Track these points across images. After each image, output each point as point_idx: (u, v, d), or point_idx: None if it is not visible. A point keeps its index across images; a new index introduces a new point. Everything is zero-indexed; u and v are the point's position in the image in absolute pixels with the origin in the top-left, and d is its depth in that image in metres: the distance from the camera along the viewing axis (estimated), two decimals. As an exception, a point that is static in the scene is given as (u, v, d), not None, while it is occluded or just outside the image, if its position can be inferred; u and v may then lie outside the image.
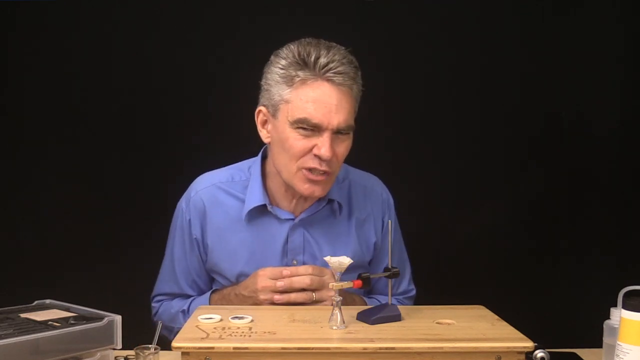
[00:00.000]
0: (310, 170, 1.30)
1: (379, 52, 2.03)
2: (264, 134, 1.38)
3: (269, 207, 1.40)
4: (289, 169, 1.32)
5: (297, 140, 1.29)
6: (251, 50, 2.04)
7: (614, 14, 2.14)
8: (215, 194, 1.44)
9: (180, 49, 2.09)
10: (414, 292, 1.59)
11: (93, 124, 2.11)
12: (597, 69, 2.14)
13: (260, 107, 1.36)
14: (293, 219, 1.41)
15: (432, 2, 2.13)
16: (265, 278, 1.35)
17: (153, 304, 1.54)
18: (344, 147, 1.32)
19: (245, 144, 1.59)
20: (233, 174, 1.46)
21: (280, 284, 1.34)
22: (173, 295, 1.51)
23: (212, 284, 1.51)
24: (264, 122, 1.37)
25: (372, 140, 1.94)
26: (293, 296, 1.34)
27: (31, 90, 2.09)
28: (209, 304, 1.43)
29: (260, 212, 1.41)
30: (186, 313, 1.44)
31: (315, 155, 1.28)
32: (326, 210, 1.44)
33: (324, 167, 1.29)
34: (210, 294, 1.46)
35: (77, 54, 2.08)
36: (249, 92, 1.46)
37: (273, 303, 1.34)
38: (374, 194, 1.51)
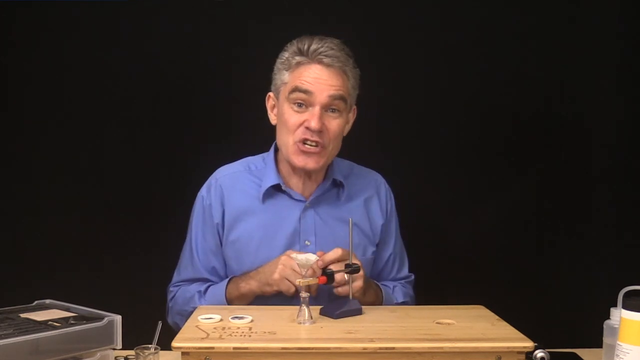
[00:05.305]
0: (303, 142, 1.44)
1: (376, 51, 2.02)
2: (272, 117, 1.54)
3: (283, 187, 1.52)
4: (286, 143, 1.46)
5: (292, 115, 1.44)
6: (256, 49, 2.06)
7: (614, 13, 2.14)
8: (234, 180, 1.56)
9: (187, 47, 2.08)
10: (413, 277, 1.68)
11: (95, 122, 2.10)
12: (598, 69, 2.14)
13: (269, 93, 1.55)
14: (304, 201, 1.52)
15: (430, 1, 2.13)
16: (285, 269, 1.38)
17: (171, 289, 1.58)
18: (335, 124, 1.45)
19: (252, 147, 1.64)
20: (249, 163, 1.60)
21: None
22: (191, 281, 1.55)
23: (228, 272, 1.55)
24: (272, 107, 1.54)
25: (369, 140, 1.94)
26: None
27: (32, 87, 2.08)
28: (225, 292, 1.46)
29: (275, 193, 1.53)
30: (202, 295, 1.49)
31: (307, 128, 1.42)
32: (333, 193, 1.56)
33: (314, 138, 1.43)
34: (227, 282, 1.49)
35: (77, 50, 2.07)
36: (257, 94, 1.58)
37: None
38: (377, 182, 1.63)
